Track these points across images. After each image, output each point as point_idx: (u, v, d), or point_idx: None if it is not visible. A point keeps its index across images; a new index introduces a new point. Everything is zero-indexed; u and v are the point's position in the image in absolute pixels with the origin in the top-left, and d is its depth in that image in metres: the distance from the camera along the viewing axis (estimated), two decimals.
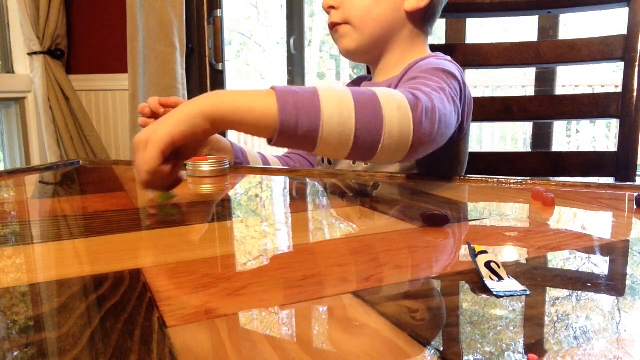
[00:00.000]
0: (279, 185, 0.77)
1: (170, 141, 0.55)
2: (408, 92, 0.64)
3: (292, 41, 2.41)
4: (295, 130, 0.56)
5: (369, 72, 1.07)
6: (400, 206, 0.62)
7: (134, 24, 2.03)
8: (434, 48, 0.95)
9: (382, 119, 0.59)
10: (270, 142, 0.58)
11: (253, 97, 0.57)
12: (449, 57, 0.87)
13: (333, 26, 0.89)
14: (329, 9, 0.89)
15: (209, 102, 0.57)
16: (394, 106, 0.60)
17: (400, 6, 0.86)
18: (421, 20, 0.89)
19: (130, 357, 0.25)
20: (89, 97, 2.33)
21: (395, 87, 0.81)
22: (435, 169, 0.87)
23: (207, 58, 2.18)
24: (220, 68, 2.19)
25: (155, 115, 0.86)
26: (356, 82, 1.01)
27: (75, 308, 0.31)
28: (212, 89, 2.20)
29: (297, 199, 0.70)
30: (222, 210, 0.62)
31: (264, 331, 0.28)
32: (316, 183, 0.78)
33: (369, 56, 0.92)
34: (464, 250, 0.43)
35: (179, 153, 0.58)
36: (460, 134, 0.85)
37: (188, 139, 0.56)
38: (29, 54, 2.21)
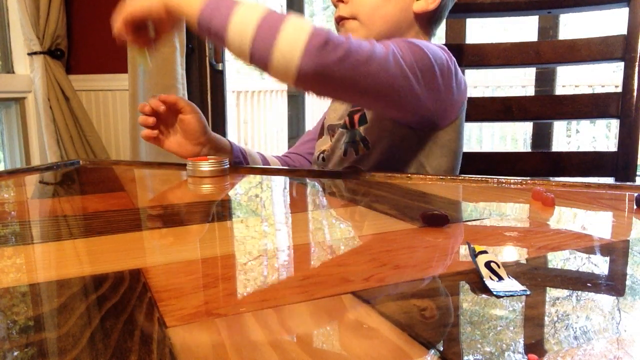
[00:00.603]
0: (279, 185, 0.77)
1: (130, 15, 0.74)
2: (329, 31, 0.67)
3: None
4: (208, 30, 0.68)
5: None
6: (400, 206, 0.62)
7: None
8: None
9: (277, 34, 0.64)
10: (195, 32, 0.72)
11: None
12: (441, 45, 0.87)
13: (340, 20, 0.89)
14: (337, 2, 0.89)
15: None
16: (294, 28, 0.65)
17: (409, 7, 0.87)
18: (428, 22, 0.90)
19: (130, 357, 0.25)
20: (89, 97, 2.33)
21: None
22: (428, 158, 0.86)
23: (207, 58, 2.18)
24: (220, 68, 2.19)
25: (155, 113, 0.86)
26: None
27: (75, 308, 0.31)
28: (212, 89, 2.20)
29: (297, 199, 0.70)
30: (222, 210, 0.62)
31: (264, 331, 0.28)
32: (316, 183, 0.78)
33: None
34: (464, 250, 0.43)
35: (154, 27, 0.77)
36: (444, 121, 0.84)
37: (145, 17, 0.74)
38: (29, 54, 2.21)
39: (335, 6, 0.90)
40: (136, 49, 0.79)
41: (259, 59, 0.67)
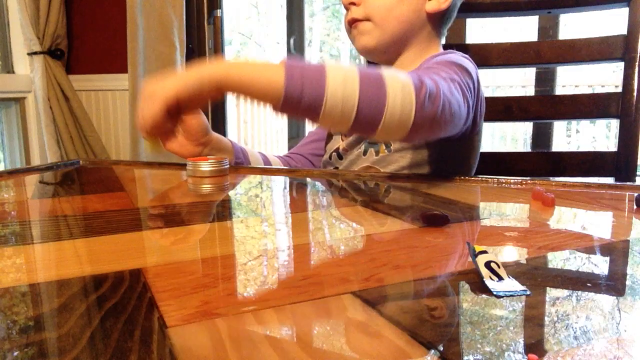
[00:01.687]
0: (279, 185, 0.77)
1: (174, 97, 0.61)
2: (415, 75, 0.65)
3: (292, 41, 2.41)
4: (299, 101, 0.59)
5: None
6: (400, 206, 0.62)
7: (134, 24, 2.03)
8: None
9: (385, 96, 0.61)
10: (275, 109, 0.62)
11: (262, 66, 0.61)
12: (466, 55, 0.88)
13: (353, 22, 0.89)
14: (349, 5, 0.88)
15: (219, 68, 0.61)
16: (399, 86, 0.62)
17: (421, 7, 0.87)
18: (439, 21, 0.90)
19: (130, 357, 0.25)
20: (89, 97, 2.33)
21: None
22: (448, 163, 0.87)
23: (207, 58, 2.18)
24: None
25: None
26: None
27: (75, 308, 0.31)
28: None
29: (297, 199, 0.70)
30: (222, 210, 0.62)
31: (264, 331, 0.28)
32: (316, 183, 0.78)
33: (385, 55, 0.93)
34: (464, 250, 0.43)
35: (179, 110, 0.66)
36: (474, 129, 0.86)
37: (192, 98, 0.62)
38: (29, 54, 2.21)
39: (347, 9, 0.89)
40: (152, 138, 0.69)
41: (366, 123, 0.62)
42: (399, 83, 0.62)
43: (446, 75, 0.72)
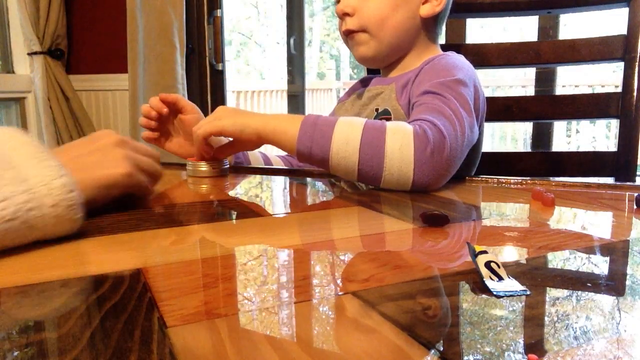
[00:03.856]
0: (279, 185, 0.77)
1: (220, 131, 0.73)
2: (418, 128, 0.67)
3: (292, 41, 2.41)
4: (309, 157, 0.69)
5: (372, 71, 1.07)
6: (400, 206, 0.62)
7: (134, 24, 2.03)
8: None
9: (383, 158, 0.66)
10: (299, 160, 0.72)
11: (290, 123, 0.70)
12: (461, 57, 0.88)
13: (348, 33, 0.88)
14: (343, 15, 0.88)
15: (261, 121, 0.72)
16: (397, 147, 0.66)
17: (415, 12, 0.87)
18: (433, 23, 0.90)
19: (130, 357, 0.25)
20: (89, 97, 2.33)
21: (412, 83, 0.83)
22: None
23: (207, 58, 2.18)
24: (220, 68, 2.19)
25: (159, 117, 0.86)
26: (365, 81, 1.01)
27: (75, 308, 0.31)
28: (212, 89, 2.20)
29: (297, 199, 0.70)
30: (222, 210, 0.62)
31: (264, 331, 0.28)
32: (316, 183, 0.78)
33: (385, 62, 0.93)
34: (464, 250, 0.43)
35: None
36: (479, 135, 0.87)
37: (235, 138, 0.76)
38: (29, 54, 2.21)
39: (342, 19, 0.89)
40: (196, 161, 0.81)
41: (370, 180, 0.68)
42: (398, 143, 0.65)
43: (450, 112, 0.72)
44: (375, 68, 0.99)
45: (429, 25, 0.89)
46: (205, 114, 0.88)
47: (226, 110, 0.76)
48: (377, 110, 0.88)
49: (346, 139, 0.66)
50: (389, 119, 0.85)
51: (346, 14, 0.87)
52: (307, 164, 0.72)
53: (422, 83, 0.80)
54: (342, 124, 0.68)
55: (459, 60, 0.86)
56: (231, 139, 0.79)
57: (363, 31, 0.87)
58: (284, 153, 1.08)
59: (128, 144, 0.58)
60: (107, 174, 0.53)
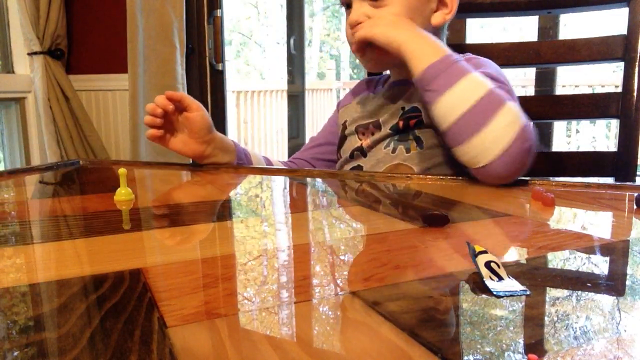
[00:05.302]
0: (279, 185, 0.77)
1: (371, 38, 0.78)
2: (528, 122, 0.71)
3: (292, 41, 2.41)
4: (426, 85, 0.74)
5: (373, 73, 1.07)
6: (400, 206, 0.62)
7: (134, 24, 2.03)
8: None
9: (485, 126, 0.69)
10: (411, 77, 0.76)
11: (431, 53, 0.75)
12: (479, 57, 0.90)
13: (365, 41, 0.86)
14: (357, 25, 0.85)
15: (406, 38, 0.76)
16: (503, 124, 0.69)
17: (428, 21, 0.88)
18: (440, 31, 0.91)
19: (130, 357, 0.25)
20: (89, 97, 2.33)
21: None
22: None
23: (207, 58, 2.18)
24: (220, 68, 2.19)
25: (164, 115, 0.86)
26: (370, 83, 1.01)
27: (75, 308, 0.31)
28: (212, 89, 2.20)
29: (297, 199, 0.70)
30: (222, 210, 0.62)
31: (264, 331, 0.28)
32: (316, 183, 0.78)
33: (395, 69, 0.93)
34: (464, 250, 0.43)
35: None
36: None
37: (381, 47, 0.79)
38: (29, 54, 2.21)
39: (352, 28, 0.86)
40: None
41: (453, 137, 0.72)
42: (505, 121, 0.69)
43: (509, 88, 0.79)
44: (385, 71, 0.99)
45: (438, 31, 0.90)
46: None
47: (384, 19, 0.80)
48: (403, 108, 0.88)
49: (467, 90, 0.70)
50: (418, 117, 0.86)
51: (360, 24, 0.85)
52: (417, 85, 0.76)
53: None
54: (473, 77, 0.72)
55: (484, 59, 0.88)
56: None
57: (371, 45, 0.85)
58: (286, 158, 1.08)
59: None
60: None
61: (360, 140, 0.94)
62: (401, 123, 0.87)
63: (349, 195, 0.70)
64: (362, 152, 0.93)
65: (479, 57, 0.90)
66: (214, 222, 0.54)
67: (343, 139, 0.98)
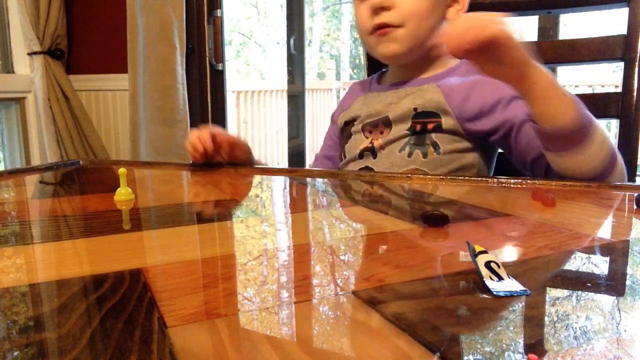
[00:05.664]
0: (279, 185, 0.77)
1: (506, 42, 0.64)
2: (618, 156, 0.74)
3: (292, 41, 2.41)
4: (581, 120, 0.68)
5: (371, 71, 1.07)
6: (400, 206, 0.62)
7: (134, 24, 2.03)
8: None
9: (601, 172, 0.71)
10: (566, 118, 0.68)
11: (556, 85, 0.69)
12: None
13: (382, 27, 0.86)
14: (380, 9, 0.85)
15: (539, 71, 0.69)
16: (617, 172, 0.73)
17: (443, 15, 0.89)
18: None
19: (130, 357, 0.25)
20: (89, 97, 2.33)
21: (471, 91, 0.85)
22: (489, 164, 0.92)
23: (207, 58, 2.18)
24: (220, 68, 2.19)
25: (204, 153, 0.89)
26: (365, 83, 1.01)
27: (75, 308, 0.31)
28: (212, 89, 2.20)
29: (297, 199, 0.70)
30: (222, 210, 0.62)
31: (264, 331, 0.28)
32: (316, 183, 0.78)
33: (405, 61, 0.93)
34: (464, 250, 0.43)
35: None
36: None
37: (501, 63, 0.66)
38: (29, 54, 2.21)
39: (375, 13, 0.86)
40: None
41: (565, 167, 0.72)
42: (619, 169, 0.73)
43: None
44: (394, 64, 0.97)
45: None
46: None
47: (506, 22, 0.63)
48: (415, 109, 0.88)
49: (597, 150, 0.70)
50: (437, 122, 0.86)
51: (384, 8, 0.85)
52: (555, 128, 0.69)
53: (487, 94, 0.84)
54: (599, 132, 0.71)
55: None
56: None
57: (401, 26, 0.86)
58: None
59: None
60: None
61: (367, 138, 0.92)
62: (419, 126, 0.87)
63: (349, 195, 0.70)
64: (372, 152, 0.91)
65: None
66: (214, 222, 0.54)
67: (348, 137, 0.97)
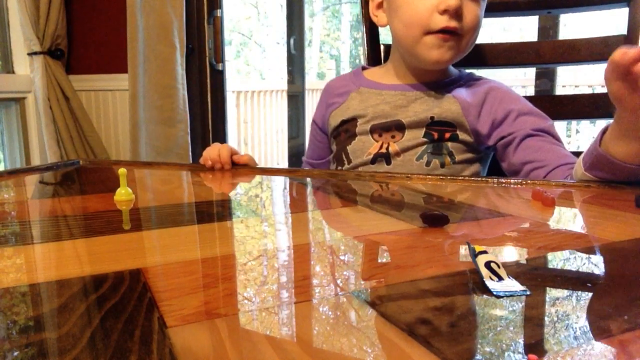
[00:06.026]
0: (279, 185, 0.77)
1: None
2: None
3: (292, 41, 2.41)
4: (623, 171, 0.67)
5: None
6: (400, 206, 0.62)
7: (134, 24, 2.03)
8: None
9: None
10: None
11: None
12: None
13: (449, 32, 0.83)
14: (453, 14, 0.81)
15: None
16: None
17: None
18: None
19: (130, 357, 0.25)
20: (89, 97, 2.33)
21: (481, 107, 0.88)
22: (496, 170, 0.94)
23: (207, 58, 2.18)
24: (220, 68, 2.19)
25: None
26: (358, 79, 1.00)
27: (75, 308, 0.31)
28: (212, 89, 2.20)
29: (297, 199, 0.70)
30: (222, 210, 0.62)
31: (264, 331, 0.28)
32: (316, 183, 0.78)
33: (421, 70, 0.92)
34: (464, 250, 0.43)
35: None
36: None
37: None
38: (29, 54, 2.21)
39: (449, 15, 0.81)
40: None
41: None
42: None
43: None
44: (424, 65, 0.92)
45: None
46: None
47: None
48: (432, 118, 0.87)
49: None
50: (454, 132, 0.87)
51: (458, 16, 0.82)
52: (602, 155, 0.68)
53: (497, 110, 0.87)
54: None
55: (506, 88, 0.92)
56: None
57: (462, 36, 0.84)
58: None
59: None
60: None
61: (378, 141, 0.89)
62: (436, 134, 0.86)
63: (349, 195, 0.70)
64: (386, 158, 0.88)
65: (501, 85, 0.92)
66: (214, 222, 0.54)
67: (350, 137, 0.92)
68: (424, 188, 0.71)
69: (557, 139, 0.87)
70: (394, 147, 0.88)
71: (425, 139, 0.87)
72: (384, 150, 0.88)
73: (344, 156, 0.94)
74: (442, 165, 0.86)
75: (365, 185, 0.75)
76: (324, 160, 1.05)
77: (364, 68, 1.02)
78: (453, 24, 0.82)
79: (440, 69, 0.91)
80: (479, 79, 0.94)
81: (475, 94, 0.89)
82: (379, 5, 0.94)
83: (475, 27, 0.85)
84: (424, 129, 0.87)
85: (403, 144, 0.87)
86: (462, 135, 0.87)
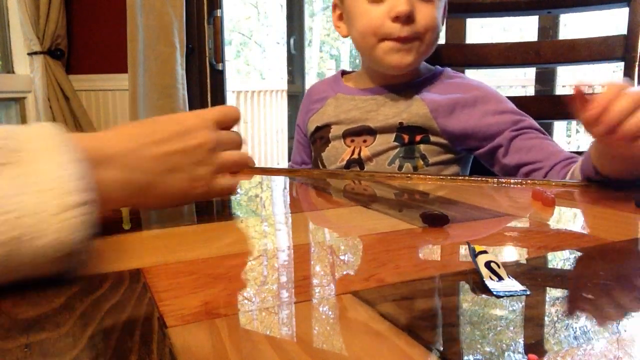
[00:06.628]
0: (279, 185, 0.77)
1: None
2: None
3: (292, 41, 2.41)
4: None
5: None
6: (400, 206, 0.62)
7: (134, 24, 2.03)
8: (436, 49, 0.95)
9: None
10: None
11: None
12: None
13: (410, 39, 0.83)
14: (406, 19, 0.81)
15: None
16: None
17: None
18: None
19: (130, 357, 0.25)
20: (89, 97, 2.33)
21: (460, 109, 0.87)
22: (474, 173, 0.95)
23: (207, 58, 2.18)
24: (220, 68, 2.19)
25: None
26: (337, 85, 0.99)
27: (76, 308, 0.31)
28: (212, 89, 2.20)
29: (297, 199, 0.70)
30: (222, 210, 0.62)
31: (264, 331, 0.28)
32: (316, 183, 0.78)
33: (382, 74, 0.92)
34: (464, 250, 0.43)
35: None
36: None
37: None
38: (29, 54, 2.21)
39: (401, 23, 0.81)
40: None
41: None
42: None
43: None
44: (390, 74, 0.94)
45: None
46: None
47: None
48: (401, 124, 0.87)
49: None
50: (424, 135, 0.86)
51: (410, 19, 0.81)
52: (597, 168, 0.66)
53: (470, 117, 0.85)
54: None
55: (477, 82, 0.92)
56: None
57: (417, 39, 0.84)
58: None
59: (221, 144, 0.51)
60: (184, 194, 0.49)
61: (350, 147, 0.90)
62: (406, 137, 0.86)
63: (348, 195, 0.70)
64: (359, 164, 0.89)
65: (471, 80, 0.91)
66: (214, 222, 0.54)
67: (324, 143, 0.93)
68: (423, 188, 0.71)
69: (543, 132, 0.87)
70: (365, 152, 0.88)
71: (396, 143, 0.87)
72: (356, 156, 0.89)
73: (319, 163, 0.95)
74: (415, 169, 0.86)
75: (365, 185, 0.75)
76: (308, 165, 1.04)
77: (343, 73, 1.02)
78: (405, 32, 0.82)
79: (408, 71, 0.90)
80: (453, 77, 0.93)
81: (447, 93, 0.87)
82: (340, 17, 0.94)
83: (433, 28, 0.85)
84: (395, 133, 0.87)
85: (374, 149, 0.88)
86: (434, 138, 0.86)
